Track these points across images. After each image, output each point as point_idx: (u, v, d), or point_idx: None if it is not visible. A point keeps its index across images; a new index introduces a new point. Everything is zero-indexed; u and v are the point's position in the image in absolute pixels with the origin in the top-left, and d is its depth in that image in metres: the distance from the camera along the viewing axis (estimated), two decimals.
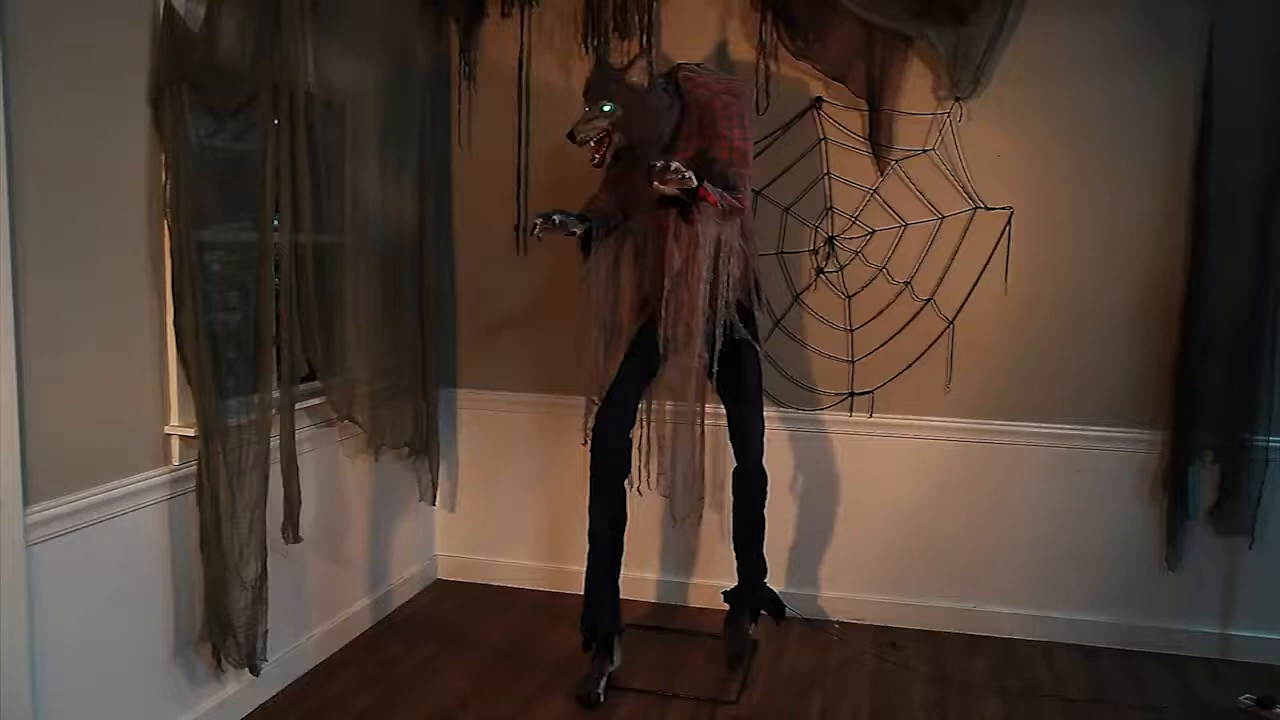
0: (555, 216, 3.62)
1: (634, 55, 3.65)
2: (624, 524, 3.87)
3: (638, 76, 3.58)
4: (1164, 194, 4.15)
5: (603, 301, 3.91)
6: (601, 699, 3.79)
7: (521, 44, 4.70)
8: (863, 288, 4.46)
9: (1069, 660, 4.28)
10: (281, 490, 3.55)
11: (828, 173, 4.43)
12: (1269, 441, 4.10)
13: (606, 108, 3.56)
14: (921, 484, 4.51)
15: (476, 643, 4.36)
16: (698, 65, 3.84)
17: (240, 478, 3.32)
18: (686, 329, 3.60)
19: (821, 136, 4.43)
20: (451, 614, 4.68)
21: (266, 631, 3.48)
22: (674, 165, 3.28)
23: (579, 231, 3.72)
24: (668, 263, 3.59)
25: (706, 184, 3.43)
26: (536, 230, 3.59)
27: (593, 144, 3.60)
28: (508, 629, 4.51)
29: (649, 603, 4.79)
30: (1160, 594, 4.32)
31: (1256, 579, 4.24)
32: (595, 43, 4.55)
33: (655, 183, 3.34)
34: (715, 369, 3.63)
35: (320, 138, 3.58)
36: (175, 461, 3.26)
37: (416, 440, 4.54)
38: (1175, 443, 4.19)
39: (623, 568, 3.90)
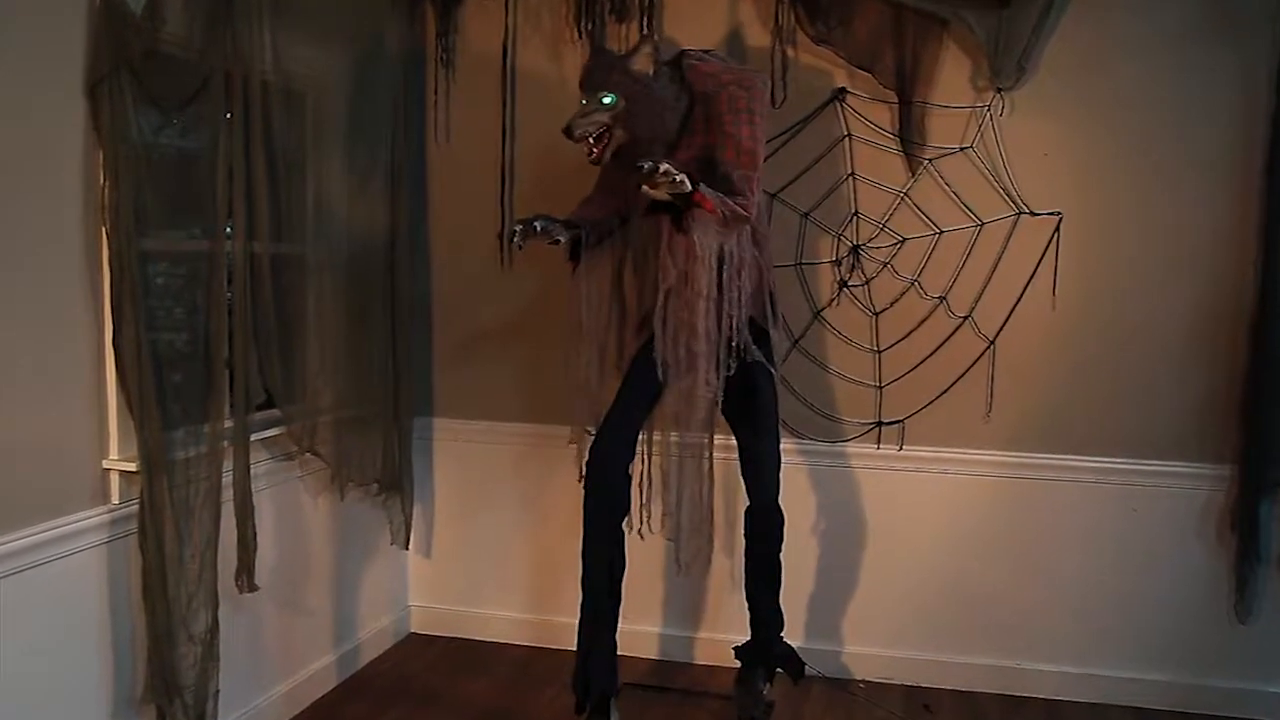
0: (537, 223, 3.59)
1: (637, 40, 3.63)
2: (622, 571, 3.85)
3: (642, 64, 3.57)
4: (1232, 197, 4.14)
5: (594, 318, 3.89)
6: None
7: (506, 28, 4.70)
8: (891, 303, 4.46)
9: None
10: (235, 532, 3.53)
11: (852, 173, 4.43)
12: None
13: (607, 100, 3.55)
14: (957, 525, 4.49)
15: (455, 704, 4.34)
16: (706, 52, 3.83)
17: (188, 518, 3.30)
18: (687, 352, 3.58)
19: (845, 133, 4.42)
20: (426, 672, 4.66)
21: (218, 691, 3.45)
22: (663, 167, 3.19)
23: (564, 239, 3.71)
24: (661, 276, 3.58)
25: (704, 188, 3.36)
26: (516, 238, 3.56)
27: (591, 140, 3.59)
28: (490, 689, 4.49)
29: (650, 659, 4.77)
30: (1227, 649, 4.29)
31: None
32: (589, 27, 4.55)
33: (644, 187, 3.26)
34: (721, 397, 3.61)
35: (279, 133, 3.59)
36: (115, 500, 3.24)
37: (387, 476, 4.52)
38: (1245, 478, 4.17)
39: (621, 620, 3.87)
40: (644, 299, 3.90)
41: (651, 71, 3.58)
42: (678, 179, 3.21)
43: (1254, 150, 4.08)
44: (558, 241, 3.70)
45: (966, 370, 4.41)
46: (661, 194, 3.30)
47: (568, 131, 3.57)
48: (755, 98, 3.67)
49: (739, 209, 3.48)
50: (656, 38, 3.59)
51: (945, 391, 4.44)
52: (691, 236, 3.47)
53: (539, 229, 3.59)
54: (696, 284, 3.52)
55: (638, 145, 3.62)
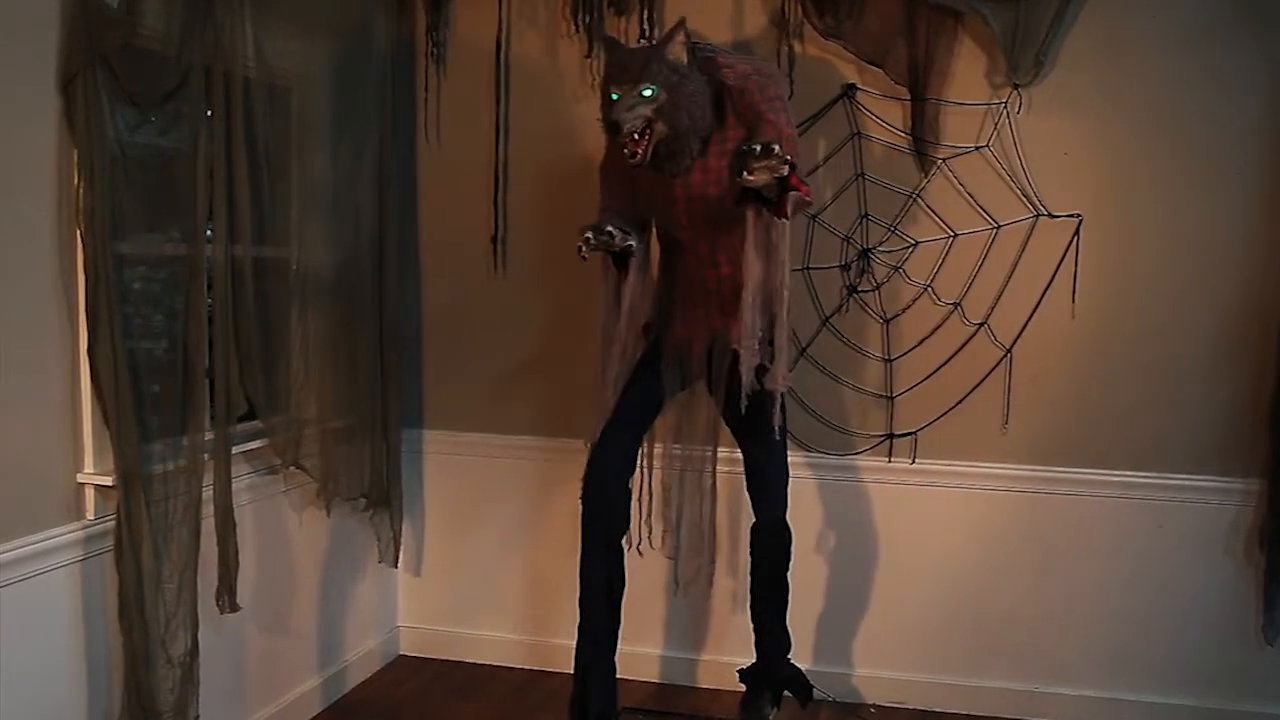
0: (610, 228, 3.52)
1: (673, 25, 3.54)
2: (622, 590, 3.83)
3: (676, 53, 3.48)
4: (1261, 198, 4.13)
5: (632, 331, 3.82)
6: None
7: (500, 21, 4.70)
8: (903, 310, 4.46)
9: None
10: (215, 549, 3.53)
11: (862, 174, 4.43)
12: None
13: (648, 92, 3.42)
14: (973, 542, 4.49)
15: None
16: (711, 46, 3.81)
17: (167, 535, 3.30)
18: (773, 348, 3.55)
19: (855, 131, 4.42)
20: (416, 696, 4.65)
21: (198, 717, 3.44)
22: (776, 147, 3.10)
23: (632, 245, 3.66)
24: (747, 271, 3.47)
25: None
26: (589, 247, 3.49)
27: (637, 136, 3.46)
28: (483, 714, 4.48)
29: (651, 683, 4.77)
30: (1256, 672, 4.29)
31: None
32: (586, 20, 4.54)
33: (746, 173, 3.13)
34: (745, 404, 3.58)
35: (262, 131, 3.59)
36: (90, 515, 3.24)
37: (375, 490, 4.52)
38: (1274, 493, 4.16)
39: (620, 641, 3.86)
40: (653, 302, 3.88)
41: (687, 61, 3.51)
42: (788, 160, 3.13)
43: None
44: (629, 247, 3.64)
45: (982, 380, 4.40)
46: (764, 178, 3.16)
47: (614, 127, 3.41)
48: (780, 85, 3.66)
49: (808, 195, 3.44)
50: (686, 25, 3.50)
51: (960, 402, 4.43)
52: (783, 224, 3.39)
53: (614, 235, 3.53)
54: (784, 274, 3.48)
55: (676, 140, 3.52)
